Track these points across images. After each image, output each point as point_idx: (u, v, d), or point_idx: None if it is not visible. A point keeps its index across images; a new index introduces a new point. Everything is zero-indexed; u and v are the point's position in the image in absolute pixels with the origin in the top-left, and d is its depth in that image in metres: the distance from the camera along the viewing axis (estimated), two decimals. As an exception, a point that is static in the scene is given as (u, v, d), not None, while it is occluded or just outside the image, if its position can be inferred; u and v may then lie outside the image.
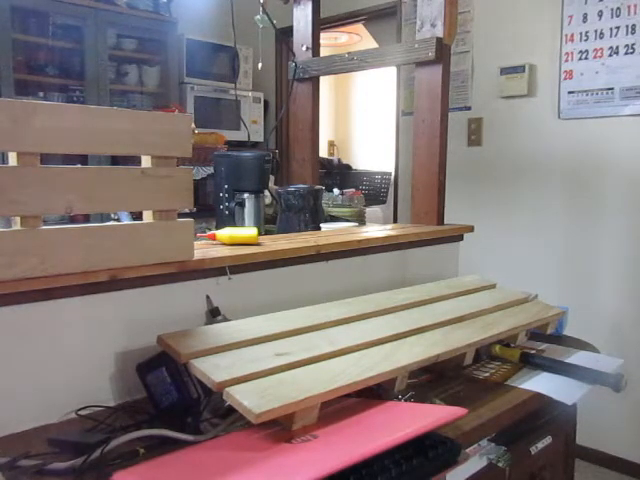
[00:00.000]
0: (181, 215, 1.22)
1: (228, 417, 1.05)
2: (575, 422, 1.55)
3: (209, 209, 2.00)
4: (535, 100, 2.96)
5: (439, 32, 1.88)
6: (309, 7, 2.31)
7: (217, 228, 1.74)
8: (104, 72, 3.54)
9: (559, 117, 2.87)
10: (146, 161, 1.16)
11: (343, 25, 4.08)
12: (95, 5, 3.45)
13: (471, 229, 2.01)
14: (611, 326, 2.75)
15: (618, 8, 2.64)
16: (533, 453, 1.34)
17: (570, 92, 2.82)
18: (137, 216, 1.27)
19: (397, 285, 1.71)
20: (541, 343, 1.56)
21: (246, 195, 1.83)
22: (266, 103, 4.39)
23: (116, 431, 1.02)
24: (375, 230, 1.90)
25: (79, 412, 1.10)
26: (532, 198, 3.00)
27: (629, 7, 2.61)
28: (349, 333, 1.26)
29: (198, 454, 0.94)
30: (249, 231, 1.51)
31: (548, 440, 1.38)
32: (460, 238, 2.01)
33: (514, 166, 3.07)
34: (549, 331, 1.58)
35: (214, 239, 1.51)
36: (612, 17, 2.66)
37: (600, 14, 2.70)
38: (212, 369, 1.01)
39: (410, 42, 1.97)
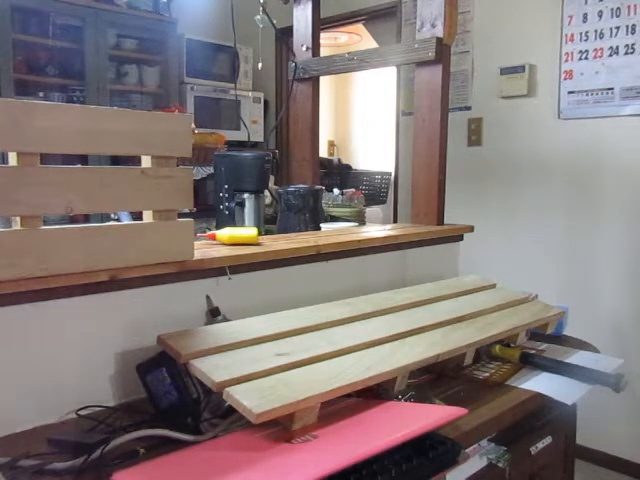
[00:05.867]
0: (181, 215, 1.22)
1: (228, 417, 1.05)
2: (575, 422, 1.55)
3: (209, 209, 2.00)
4: (535, 100, 2.96)
5: (439, 32, 1.88)
6: (309, 7, 2.31)
7: (217, 228, 1.74)
8: (104, 72, 3.54)
9: (559, 117, 2.87)
10: (146, 161, 1.16)
11: (343, 25, 4.08)
12: (95, 5, 3.45)
13: (471, 229, 2.01)
14: (611, 326, 2.75)
15: (618, 8, 2.64)
16: (533, 453, 1.34)
17: (570, 92, 2.82)
18: (137, 216, 1.27)
19: (397, 285, 1.71)
20: (541, 343, 1.56)
21: (246, 195, 1.83)
22: (266, 103, 4.39)
23: (116, 431, 1.02)
24: (375, 230, 1.90)
25: (79, 412, 1.10)
26: (532, 198, 3.00)
27: (629, 7, 2.61)
28: (349, 333, 1.25)
29: (198, 454, 0.94)
30: (249, 231, 1.51)
31: (548, 440, 1.38)
32: (460, 238, 2.01)
33: (514, 166, 3.06)
34: (549, 331, 1.58)
35: (214, 239, 1.51)
36: (612, 17, 2.66)
37: (600, 14, 2.70)
38: (212, 369, 1.01)
39: (410, 42, 1.97)
